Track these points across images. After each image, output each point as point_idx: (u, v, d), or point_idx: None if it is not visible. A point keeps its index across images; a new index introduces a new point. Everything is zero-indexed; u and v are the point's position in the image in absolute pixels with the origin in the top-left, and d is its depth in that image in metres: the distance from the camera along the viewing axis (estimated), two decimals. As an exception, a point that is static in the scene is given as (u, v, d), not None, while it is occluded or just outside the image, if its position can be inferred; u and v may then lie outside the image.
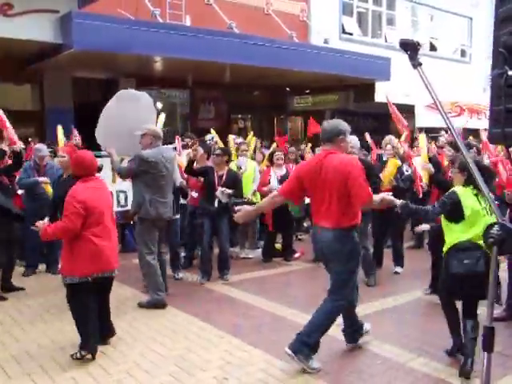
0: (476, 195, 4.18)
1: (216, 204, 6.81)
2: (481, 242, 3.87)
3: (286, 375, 4.15)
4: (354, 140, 6.43)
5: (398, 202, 4.28)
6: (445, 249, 4.32)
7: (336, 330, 5.09)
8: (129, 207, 8.44)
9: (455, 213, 4.20)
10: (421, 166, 6.43)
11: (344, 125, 4.36)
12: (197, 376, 4.13)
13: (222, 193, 6.76)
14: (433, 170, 6.20)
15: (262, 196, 8.18)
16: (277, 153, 8.41)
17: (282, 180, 7.92)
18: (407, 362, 4.39)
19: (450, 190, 4.33)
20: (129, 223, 8.59)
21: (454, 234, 4.25)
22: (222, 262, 7.06)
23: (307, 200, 8.68)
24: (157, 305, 5.82)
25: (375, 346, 4.74)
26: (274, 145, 10.30)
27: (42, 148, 7.37)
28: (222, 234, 6.96)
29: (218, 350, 4.64)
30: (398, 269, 7.40)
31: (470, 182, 4.17)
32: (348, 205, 4.14)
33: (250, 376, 4.14)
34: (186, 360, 4.43)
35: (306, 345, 4.17)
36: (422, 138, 6.79)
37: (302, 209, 8.07)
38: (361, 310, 5.28)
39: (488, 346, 1.92)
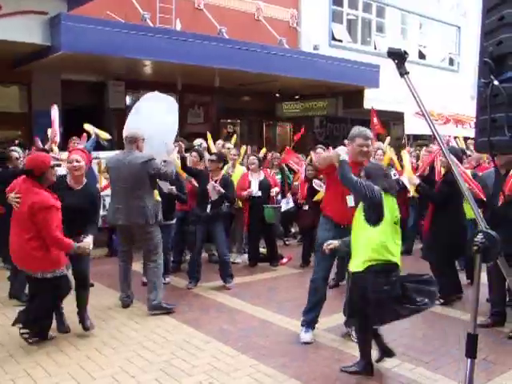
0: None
1: (208, 209, 6.79)
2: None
3: (272, 380, 4.15)
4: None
5: None
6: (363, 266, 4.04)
7: (322, 337, 5.11)
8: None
9: (376, 210, 4.02)
10: (408, 181, 6.43)
11: (351, 132, 4.92)
12: (182, 381, 4.12)
13: (213, 187, 6.71)
14: (417, 181, 6.22)
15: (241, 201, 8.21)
16: (251, 158, 8.41)
17: (259, 185, 7.97)
18: (393, 367, 4.41)
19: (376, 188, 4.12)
20: (115, 228, 8.54)
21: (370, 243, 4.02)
22: (222, 270, 6.95)
23: (284, 207, 8.76)
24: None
25: (361, 352, 4.75)
26: (264, 150, 10.32)
27: (16, 150, 7.31)
28: (219, 241, 6.91)
29: (205, 356, 4.63)
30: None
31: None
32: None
33: (236, 381, 4.14)
34: (173, 365, 4.42)
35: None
36: (405, 157, 6.88)
37: (277, 215, 8.09)
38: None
39: (471, 353, 1.94)
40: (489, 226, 5.07)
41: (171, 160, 6.09)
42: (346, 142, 5.01)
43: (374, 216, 4.02)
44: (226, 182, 7.01)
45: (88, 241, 4.84)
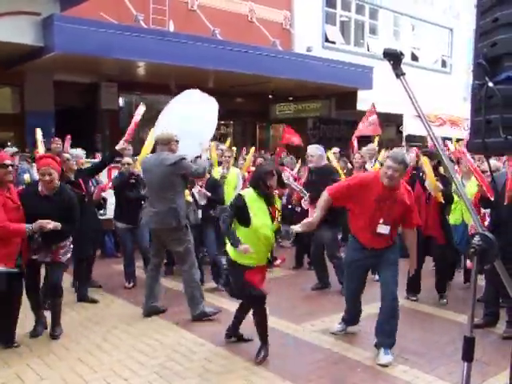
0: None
1: (200, 215, 6.73)
2: None
3: (266, 383, 4.13)
4: (313, 148, 6.70)
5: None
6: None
7: (317, 339, 5.11)
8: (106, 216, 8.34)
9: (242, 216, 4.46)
10: (433, 191, 6.15)
11: None
12: (176, 384, 4.10)
13: (198, 193, 6.66)
14: (441, 186, 6.13)
15: None
16: (258, 159, 8.44)
17: None
18: (387, 369, 4.40)
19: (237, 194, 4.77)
20: (108, 230, 8.53)
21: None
22: (214, 270, 6.94)
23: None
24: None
25: (355, 353, 4.75)
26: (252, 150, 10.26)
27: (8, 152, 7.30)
28: (208, 242, 6.92)
29: (198, 358, 4.61)
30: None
31: None
32: None
33: (230, 383, 4.12)
34: (166, 368, 4.39)
35: None
36: (426, 162, 6.68)
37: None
38: (340, 319, 5.30)
39: (468, 356, 1.93)
40: (493, 227, 5.07)
41: (203, 160, 5.87)
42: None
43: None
44: (214, 184, 6.91)
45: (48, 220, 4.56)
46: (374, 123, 10.53)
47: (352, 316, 5.26)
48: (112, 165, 8.01)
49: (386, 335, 4.64)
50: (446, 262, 6.49)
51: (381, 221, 4.57)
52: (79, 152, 7.17)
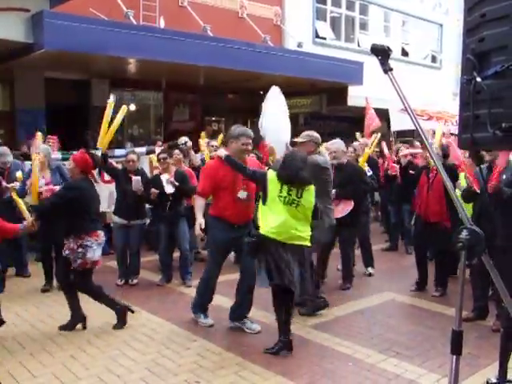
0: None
1: (167, 209, 6.78)
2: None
3: (258, 378, 4.16)
4: (337, 144, 6.70)
5: None
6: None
7: (308, 334, 5.13)
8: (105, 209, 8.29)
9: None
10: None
11: (235, 131, 5.25)
12: (168, 380, 4.10)
13: (166, 181, 6.68)
14: None
15: None
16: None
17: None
18: (378, 362, 4.44)
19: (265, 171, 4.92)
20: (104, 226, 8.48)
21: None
22: (181, 267, 6.98)
23: None
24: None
25: (346, 348, 4.78)
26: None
27: (5, 152, 7.19)
28: (180, 238, 6.89)
29: (191, 354, 4.62)
30: (370, 269, 7.49)
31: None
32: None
33: (222, 379, 4.13)
34: (159, 364, 4.40)
35: None
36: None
37: None
38: (333, 312, 5.33)
39: (456, 349, 1.95)
40: (476, 220, 5.13)
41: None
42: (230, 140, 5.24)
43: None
44: (181, 176, 6.87)
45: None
46: (372, 118, 10.62)
47: None
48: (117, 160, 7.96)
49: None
50: (448, 251, 6.22)
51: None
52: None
